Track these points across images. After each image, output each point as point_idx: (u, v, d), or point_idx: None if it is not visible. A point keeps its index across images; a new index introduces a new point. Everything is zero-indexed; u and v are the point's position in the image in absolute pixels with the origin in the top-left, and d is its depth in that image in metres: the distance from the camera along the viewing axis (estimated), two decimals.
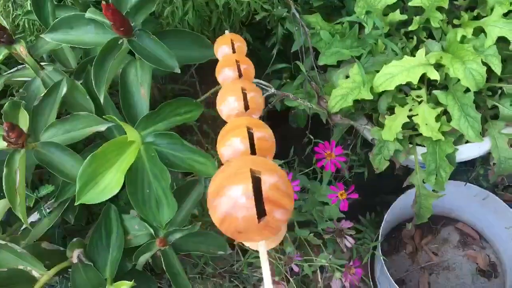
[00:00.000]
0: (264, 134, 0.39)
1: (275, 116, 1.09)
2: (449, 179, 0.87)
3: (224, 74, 0.53)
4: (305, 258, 0.93)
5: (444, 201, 0.99)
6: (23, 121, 0.65)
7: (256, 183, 0.28)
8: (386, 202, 1.12)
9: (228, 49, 0.58)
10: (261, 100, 0.49)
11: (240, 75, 0.52)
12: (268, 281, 0.32)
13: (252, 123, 0.40)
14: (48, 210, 0.77)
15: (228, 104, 0.46)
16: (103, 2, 0.57)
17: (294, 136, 1.10)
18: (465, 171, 1.14)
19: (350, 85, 0.87)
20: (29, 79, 0.78)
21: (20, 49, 0.69)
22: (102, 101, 0.65)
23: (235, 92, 0.47)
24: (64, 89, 0.71)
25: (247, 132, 0.38)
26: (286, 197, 0.29)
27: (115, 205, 0.81)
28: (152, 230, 0.76)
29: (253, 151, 0.38)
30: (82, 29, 0.67)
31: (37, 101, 0.72)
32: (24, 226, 0.75)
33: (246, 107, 0.46)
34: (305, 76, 0.92)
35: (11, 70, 0.80)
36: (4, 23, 0.68)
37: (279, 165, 0.95)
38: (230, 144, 0.38)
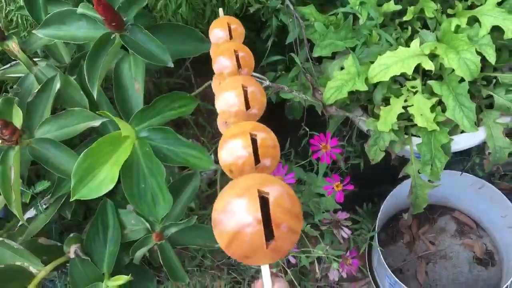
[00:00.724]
0: (268, 141, 0.37)
1: (270, 108, 1.09)
2: (444, 168, 0.87)
3: (221, 63, 0.50)
4: (302, 249, 0.93)
5: (440, 190, 1.00)
6: (17, 118, 0.65)
7: (264, 203, 0.27)
8: (383, 192, 1.13)
9: (225, 34, 0.54)
10: (263, 98, 0.47)
11: (239, 66, 0.50)
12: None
13: (255, 128, 0.38)
14: (44, 206, 0.77)
15: (226, 101, 0.44)
16: None
17: (290, 127, 1.10)
18: (460, 161, 1.14)
19: (345, 76, 0.87)
20: (23, 75, 0.78)
21: (13, 45, 0.68)
22: (95, 96, 0.65)
23: (235, 88, 0.44)
24: (57, 85, 0.71)
25: (250, 138, 0.36)
26: (295, 219, 0.27)
27: (112, 200, 0.81)
28: (148, 225, 0.76)
29: (256, 157, 0.36)
30: (74, 24, 0.67)
31: (31, 97, 0.72)
32: (20, 223, 0.75)
33: (247, 105, 0.44)
34: (300, 68, 0.92)
35: (5, 66, 0.80)
36: None
37: None
38: (232, 150, 0.36)
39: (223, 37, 0.55)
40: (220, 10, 0.62)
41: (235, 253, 0.27)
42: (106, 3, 0.58)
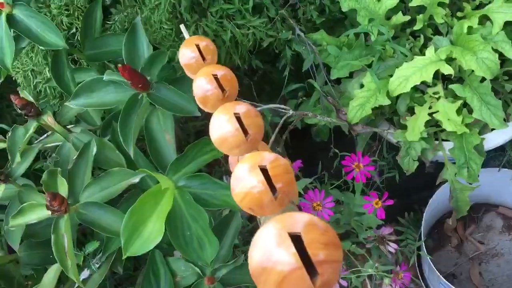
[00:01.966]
0: (279, 168, 0.35)
1: (297, 133, 1.11)
2: (481, 167, 0.86)
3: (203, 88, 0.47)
4: (351, 270, 0.93)
5: (481, 189, 0.98)
6: (62, 187, 0.69)
7: (298, 242, 0.26)
8: (422, 199, 1.12)
9: (195, 55, 0.51)
10: (260, 122, 0.43)
11: (222, 90, 0.47)
12: None
13: (262, 159, 0.36)
14: (97, 265, 0.80)
15: (221, 129, 0.42)
16: (119, 65, 0.60)
17: (319, 149, 1.11)
18: (496, 157, 1.13)
19: (365, 94, 0.88)
20: (60, 143, 0.82)
21: (48, 119, 0.72)
22: (132, 156, 0.68)
23: (228, 115, 0.41)
24: (94, 149, 0.74)
25: (259, 171, 0.35)
26: (333, 249, 0.26)
27: (158, 248, 0.83)
28: (198, 269, 0.78)
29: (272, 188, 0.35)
30: (103, 90, 0.70)
31: (71, 164, 0.75)
32: (77, 285, 0.78)
33: (245, 132, 0.41)
34: (320, 92, 0.93)
35: (42, 137, 0.84)
36: (30, 98, 0.72)
37: (310, 183, 0.96)
38: (242, 188, 0.35)
39: (195, 57, 0.52)
40: (182, 26, 0.60)
41: None
42: (131, 68, 0.62)
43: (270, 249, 0.26)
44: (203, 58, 0.52)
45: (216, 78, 0.47)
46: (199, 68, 0.50)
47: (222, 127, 0.41)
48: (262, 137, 0.43)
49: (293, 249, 0.25)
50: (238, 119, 0.41)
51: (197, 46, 0.52)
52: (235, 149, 0.42)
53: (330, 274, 0.26)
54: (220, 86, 0.47)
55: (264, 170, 0.35)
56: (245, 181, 0.35)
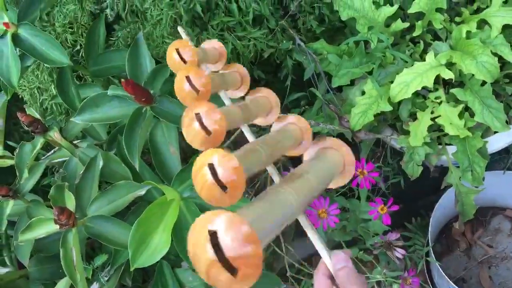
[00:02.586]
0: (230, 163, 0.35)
1: None
2: (485, 170, 0.86)
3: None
4: None
5: (487, 192, 0.98)
6: (70, 201, 0.70)
7: (215, 238, 0.27)
8: (428, 204, 1.12)
9: (177, 58, 0.53)
10: (220, 122, 0.43)
11: (197, 91, 0.48)
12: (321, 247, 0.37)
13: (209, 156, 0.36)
14: (106, 278, 0.80)
15: (187, 129, 0.43)
16: (123, 80, 0.61)
17: None
18: (501, 159, 1.13)
19: (367, 100, 0.89)
20: (67, 158, 0.83)
21: (55, 135, 0.74)
22: (137, 168, 0.69)
23: (190, 115, 0.43)
24: (100, 163, 0.75)
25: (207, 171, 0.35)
26: (247, 245, 0.27)
27: (166, 259, 0.84)
28: None
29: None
30: (107, 105, 0.72)
31: (78, 178, 0.76)
32: None
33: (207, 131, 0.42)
34: (322, 100, 0.94)
35: (49, 153, 0.86)
36: (37, 115, 0.74)
37: None
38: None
39: (177, 60, 0.54)
40: (179, 28, 0.62)
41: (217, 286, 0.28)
42: (134, 83, 0.63)
43: (196, 241, 0.28)
44: (184, 61, 0.54)
45: (188, 79, 0.48)
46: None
47: (188, 127, 0.43)
48: (224, 133, 0.44)
49: (209, 246, 0.27)
50: (200, 118, 0.43)
51: (177, 50, 0.54)
52: (202, 146, 0.44)
53: (247, 268, 0.27)
54: (193, 86, 0.48)
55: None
56: (199, 175, 0.36)
